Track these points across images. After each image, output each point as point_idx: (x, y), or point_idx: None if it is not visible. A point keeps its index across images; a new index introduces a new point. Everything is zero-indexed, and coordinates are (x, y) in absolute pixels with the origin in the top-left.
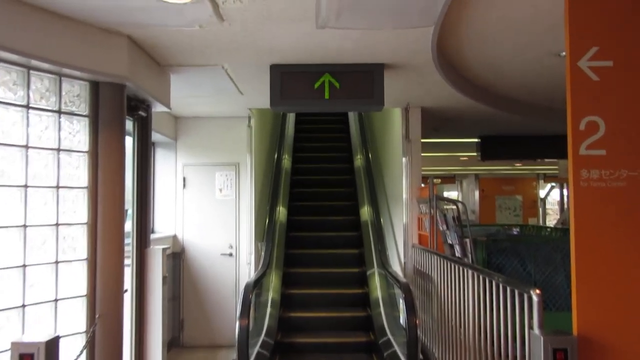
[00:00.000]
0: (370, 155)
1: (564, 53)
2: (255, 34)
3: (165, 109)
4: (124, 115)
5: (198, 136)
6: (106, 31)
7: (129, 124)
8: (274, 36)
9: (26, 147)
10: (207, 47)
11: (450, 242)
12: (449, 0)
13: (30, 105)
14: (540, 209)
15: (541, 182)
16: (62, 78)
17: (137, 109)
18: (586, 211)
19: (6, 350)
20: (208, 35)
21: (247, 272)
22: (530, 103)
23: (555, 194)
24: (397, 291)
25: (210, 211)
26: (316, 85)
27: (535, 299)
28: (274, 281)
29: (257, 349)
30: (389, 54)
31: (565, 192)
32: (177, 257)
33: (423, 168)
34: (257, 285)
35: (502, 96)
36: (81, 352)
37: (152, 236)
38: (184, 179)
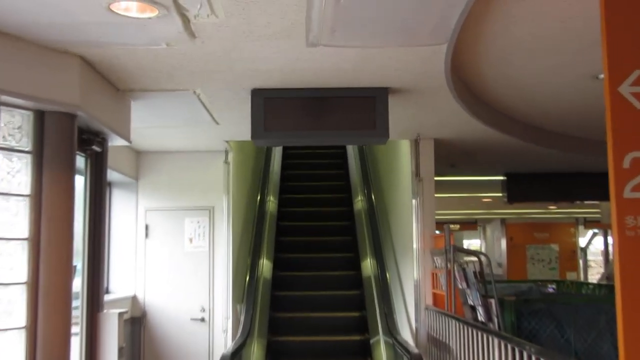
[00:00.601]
0: (373, 197)
1: (602, 75)
2: (234, 53)
3: (124, 142)
4: (74, 150)
5: (164, 175)
6: (54, 51)
7: (80, 161)
8: (256, 56)
9: None
10: (175, 69)
11: (472, 304)
12: (464, 14)
13: None
14: (581, 261)
15: (581, 228)
16: (0, 107)
17: (91, 142)
18: (634, 265)
19: None
20: (177, 55)
21: (223, 341)
22: (564, 134)
23: (598, 243)
24: None
25: (178, 266)
26: (307, 114)
27: None
28: (256, 353)
29: None
30: (394, 77)
31: (610, 240)
32: (136, 323)
33: (437, 212)
34: (235, 359)
35: (530, 125)
36: None
37: (107, 297)
38: (147, 227)
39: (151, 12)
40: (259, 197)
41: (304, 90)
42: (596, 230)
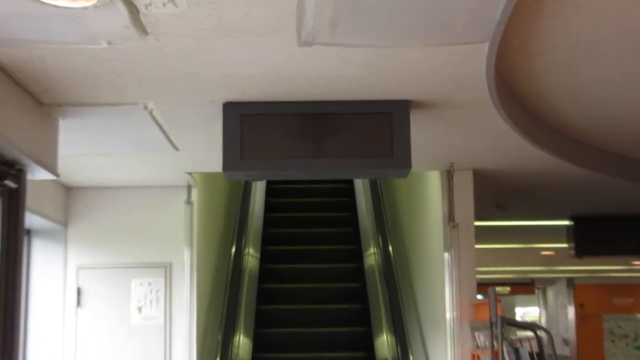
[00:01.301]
0: (391, 249)
1: None
2: (199, 55)
3: (49, 175)
4: None
5: (104, 219)
6: None
7: None
8: (230, 58)
9: None
10: (120, 76)
11: None
12: (511, 2)
13: None
14: None
15: None
16: None
17: (3, 176)
18: None
19: None
20: (123, 57)
21: None
22: None
23: None
24: None
25: (121, 346)
26: (300, 137)
27: None
28: None
29: None
30: (418, 86)
31: None
32: None
33: (479, 269)
34: None
35: (609, 153)
36: None
37: None
38: (79, 291)
39: (87, 1)
40: (233, 250)
41: (296, 104)
42: None
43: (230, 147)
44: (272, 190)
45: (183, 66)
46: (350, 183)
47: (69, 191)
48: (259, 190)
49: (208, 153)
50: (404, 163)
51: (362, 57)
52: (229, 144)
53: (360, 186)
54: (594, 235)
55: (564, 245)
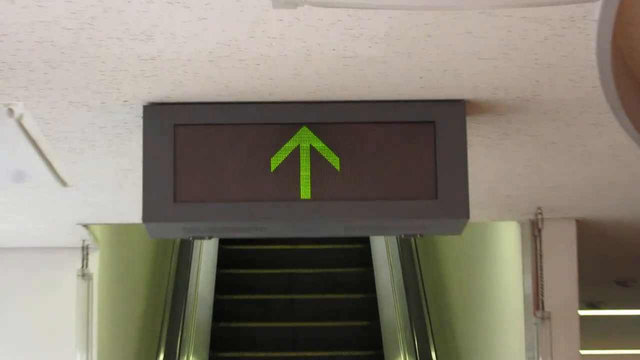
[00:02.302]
0: (435, 357)
1: None
2: (100, 22)
3: None
4: None
5: None
6: None
7: None
8: (155, 28)
9: None
10: None
11: None
12: None
13: None
14: None
15: None
16: None
17: None
18: None
19: None
20: None
21: None
22: None
23: None
24: None
25: None
26: (274, 164)
27: None
28: None
29: None
30: (479, 77)
31: None
32: None
33: None
34: None
35: None
36: None
37: None
38: None
39: None
40: (162, 358)
41: (271, 108)
42: None
43: (154, 182)
44: (229, 255)
45: (71, 41)
46: (365, 242)
47: None
48: (205, 255)
49: (118, 192)
50: (456, 209)
51: (383, 27)
52: (152, 177)
53: (382, 249)
54: None
55: None
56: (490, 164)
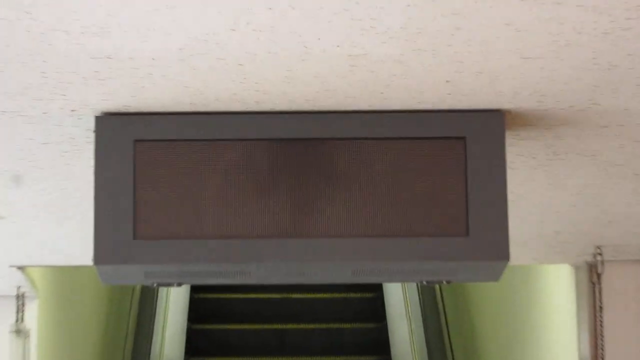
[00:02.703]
0: None
1: None
2: (39, 7)
3: None
4: None
5: None
6: None
7: None
8: (110, 17)
9: None
10: None
11: None
12: None
13: None
14: None
15: None
16: None
17: None
18: None
19: None
20: None
21: None
22: None
23: None
24: None
25: None
26: (266, 191)
27: None
28: None
29: None
30: (520, 80)
31: None
32: None
33: None
34: None
35: None
36: None
37: None
38: None
39: None
40: None
41: (256, 120)
42: None
43: (109, 214)
44: (203, 306)
45: (4, 34)
46: (376, 290)
47: None
48: (173, 306)
49: (62, 226)
50: (493, 249)
51: (400, 18)
52: (106, 207)
53: (399, 298)
54: None
55: None
56: (535, 191)
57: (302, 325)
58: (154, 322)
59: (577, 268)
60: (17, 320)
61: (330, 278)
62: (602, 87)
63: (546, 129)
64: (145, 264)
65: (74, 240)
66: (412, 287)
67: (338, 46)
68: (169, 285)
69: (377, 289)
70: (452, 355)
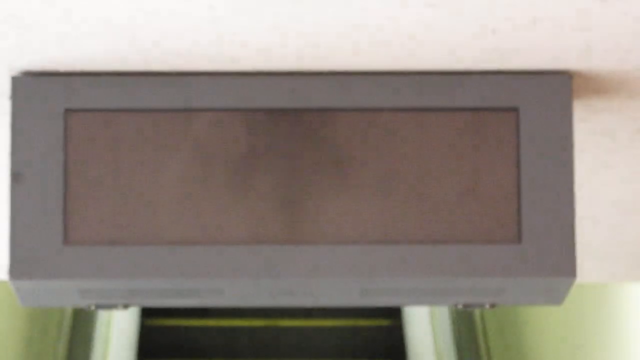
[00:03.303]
0: None
1: None
2: None
3: None
4: None
5: None
6: None
7: None
8: None
9: None
10: None
11: None
12: None
13: None
14: None
15: None
16: None
17: None
18: None
19: None
20: None
21: None
22: None
23: None
24: None
25: None
26: (248, 181)
27: None
28: None
29: None
30: (593, 31)
31: None
32: None
33: None
34: None
35: None
36: None
37: None
38: None
39: None
40: None
41: (235, 82)
42: None
43: (30, 210)
44: (157, 336)
45: None
46: (394, 317)
47: None
48: (118, 337)
49: None
50: (554, 261)
51: None
52: (26, 200)
53: (425, 326)
54: None
55: None
56: (613, 184)
57: None
58: (89, 358)
59: None
60: None
61: (330, 299)
62: None
63: (629, 99)
64: (79, 278)
65: None
66: (443, 312)
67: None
68: (111, 307)
69: (395, 314)
70: None
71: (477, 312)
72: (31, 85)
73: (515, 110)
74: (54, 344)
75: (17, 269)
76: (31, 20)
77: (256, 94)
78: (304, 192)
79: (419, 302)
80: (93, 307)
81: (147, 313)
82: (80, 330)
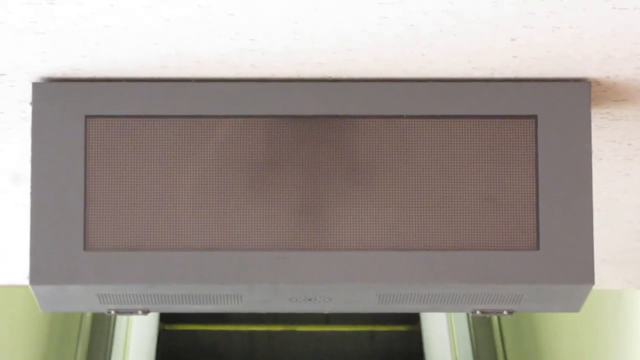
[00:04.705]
0: None
1: None
2: None
3: None
4: None
5: None
6: None
7: None
8: None
9: None
10: None
11: None
12: None
13: None
14: None
15: None
16: None
17: None
18: None
19: None
20: None
21: None
22: None
23: None
24: None
25: None
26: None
27: None
28: None
29: None
30: (612, 39)
31: None
32: None
33: None
34: None
35: None
36: None
37: None
38: None
39: None
40: None
41: (253, 88)
42: None
43: (51, 217)
44: (177, 342)
45: None
46: (412, 322)
47: None
48: (136, 343)
49: None
50: (572, 268)
51: None
52: (47, 207)
53: (443, 332)
54: None
55: None
56: (631, 191)
57: None
58: None
59: None
60: None
61: (349, 306)
62: None
63: None
64: (98, 283)
65: (0, 252)
66: (461, 318)
67: None
68: (130, 313)
69: (413, 320)
70: None
71: (495, 318)
72: (52, 92)
73: (533, 118)
74: (74, 350)
75: (38, 274)
76: (52, 28)
77: (276, 101)
78: (323, 198)
79: (436, 308)
80: (112, 313)
81: (166, 318)
82: (99, 335)
